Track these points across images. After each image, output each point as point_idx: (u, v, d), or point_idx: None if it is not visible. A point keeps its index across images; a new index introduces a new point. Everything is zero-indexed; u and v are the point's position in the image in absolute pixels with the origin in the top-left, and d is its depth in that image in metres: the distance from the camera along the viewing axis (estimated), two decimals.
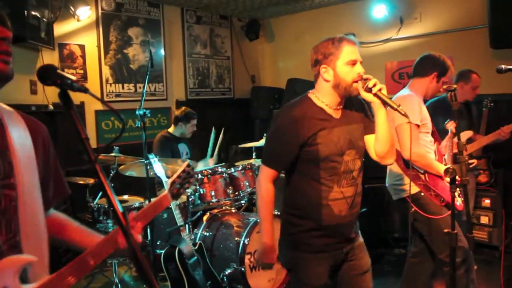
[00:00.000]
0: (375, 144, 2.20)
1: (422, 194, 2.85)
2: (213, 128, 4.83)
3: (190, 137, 4.88)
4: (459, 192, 2.87)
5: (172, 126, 4.86)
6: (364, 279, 2.28)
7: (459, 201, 2.83)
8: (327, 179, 2.10)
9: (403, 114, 2.00)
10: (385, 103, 2.06)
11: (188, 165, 1.99)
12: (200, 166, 4.73)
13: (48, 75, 1.21)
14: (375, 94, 2.03)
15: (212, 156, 4.92)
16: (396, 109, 2.00)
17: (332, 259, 2.20)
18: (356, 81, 2.06)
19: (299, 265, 2.20)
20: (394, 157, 2.26)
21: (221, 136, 4.87)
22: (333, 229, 2.15)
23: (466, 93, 3.95)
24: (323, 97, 2.15)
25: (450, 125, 3.27)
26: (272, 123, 2.23)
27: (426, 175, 2.83)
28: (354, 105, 2.25)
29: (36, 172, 1.35)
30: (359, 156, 2.19)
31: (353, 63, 2.06)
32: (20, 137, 1.33)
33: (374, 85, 2.02)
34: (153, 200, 1.76)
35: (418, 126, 2.82)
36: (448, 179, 2.73)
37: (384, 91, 2.04)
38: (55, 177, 1.50)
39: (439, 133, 3.12)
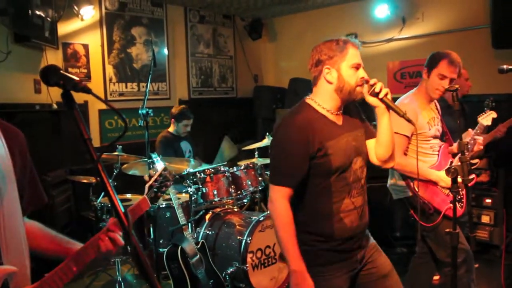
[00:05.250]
0: (377, 149, 2.16)
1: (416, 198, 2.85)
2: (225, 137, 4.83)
3: (191, 135, 4.89)
4: (459, 196, 2.86)
5: (172, 124, 4.87)
6: (386, 283, 2.16)
7: (458, 206, 2.80)
8: (338, 190, 2.02)
9: (408, 121, 1.98)
10: (390, 108, 2.03)
11: (165, 169, 1.95)
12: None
13: (51, 76, 1.22)
14: (381, 99, 2.01)
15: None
16: (402, 116, 1.97)
17: (348, 269, 2.09)
18: (360, 85, 2.01)
19: (314, 280, 1.99)
20: (395, 160, 2.22)
21: (227, 143, 4.87)
22: (345, 241, 2.06)
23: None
24: (323, 102, 2.07)
25: (482, 119, 3.26)
26: (274, 136, 2.08)
27: (415, 182, 2.78)
28: (351, 110, 2.19)
29: (15, 183, 1.29)
30: (364, 162, 2.13)
31: (358, 66, 2.02)
32: None
33: (381, 90, 1.99)
34: (132, 204, 1.79)
35: (408, 137, 2.78)
36: (444, 183, 2.76)
37: (389, 96, 2.01)
38: (30, 186, 1.44)
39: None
